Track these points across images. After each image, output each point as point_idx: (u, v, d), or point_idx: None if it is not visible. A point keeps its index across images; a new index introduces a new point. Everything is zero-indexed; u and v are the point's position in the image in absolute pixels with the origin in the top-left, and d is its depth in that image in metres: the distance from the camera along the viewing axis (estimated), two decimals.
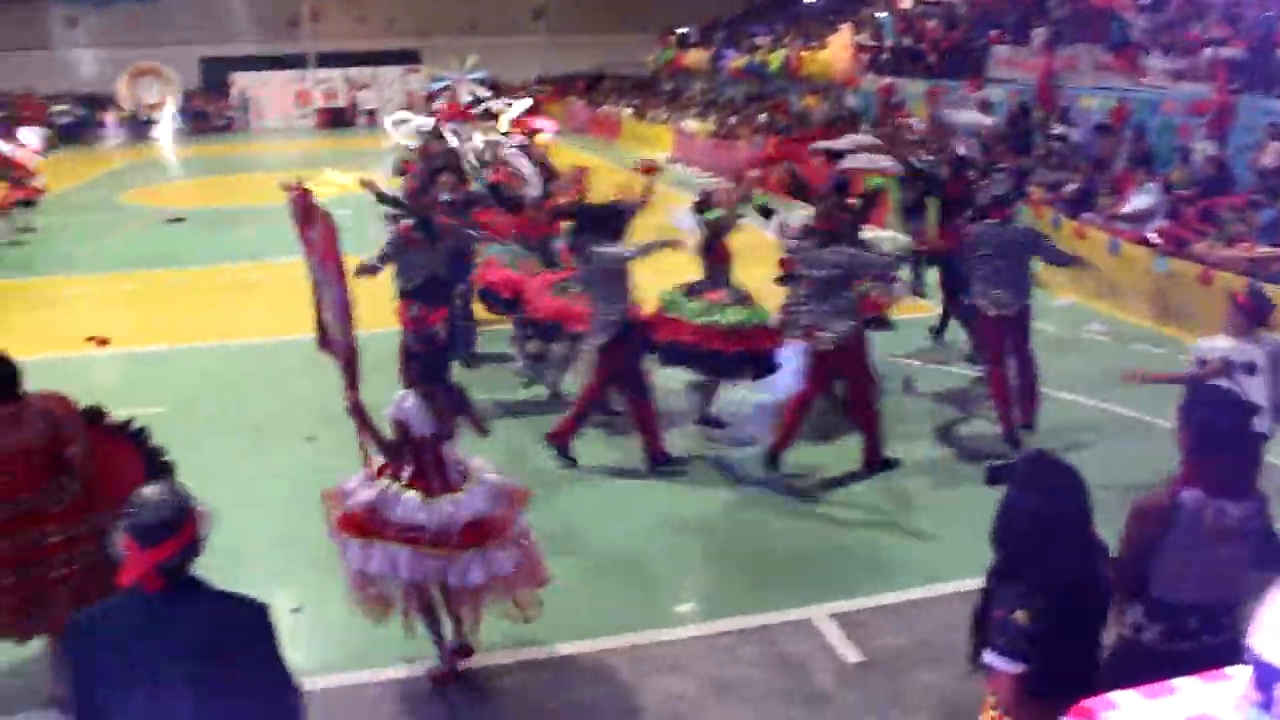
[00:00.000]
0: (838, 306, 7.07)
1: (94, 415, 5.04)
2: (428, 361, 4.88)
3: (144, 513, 2.82)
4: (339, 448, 5.15)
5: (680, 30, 36.01)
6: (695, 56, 33.33)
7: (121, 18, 40.08)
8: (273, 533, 6.43)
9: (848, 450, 7.65)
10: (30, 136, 19.57)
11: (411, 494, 4.73)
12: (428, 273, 8.08)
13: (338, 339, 4.94)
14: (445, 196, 8.93)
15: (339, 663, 5.17)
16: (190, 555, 2.85)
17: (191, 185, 25.46)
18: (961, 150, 10.25)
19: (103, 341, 10.85)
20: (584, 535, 6.50)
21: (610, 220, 7.46)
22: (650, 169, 8.45)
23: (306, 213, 5.03)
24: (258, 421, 8.60)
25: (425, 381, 4.82)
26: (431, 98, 35.65)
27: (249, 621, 2.91)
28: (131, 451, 5.06)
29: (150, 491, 2.91)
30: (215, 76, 40.62)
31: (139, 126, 37.84)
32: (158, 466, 4.98)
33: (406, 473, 4.80)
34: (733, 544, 6.53)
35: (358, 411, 4.82)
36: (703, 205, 8.22)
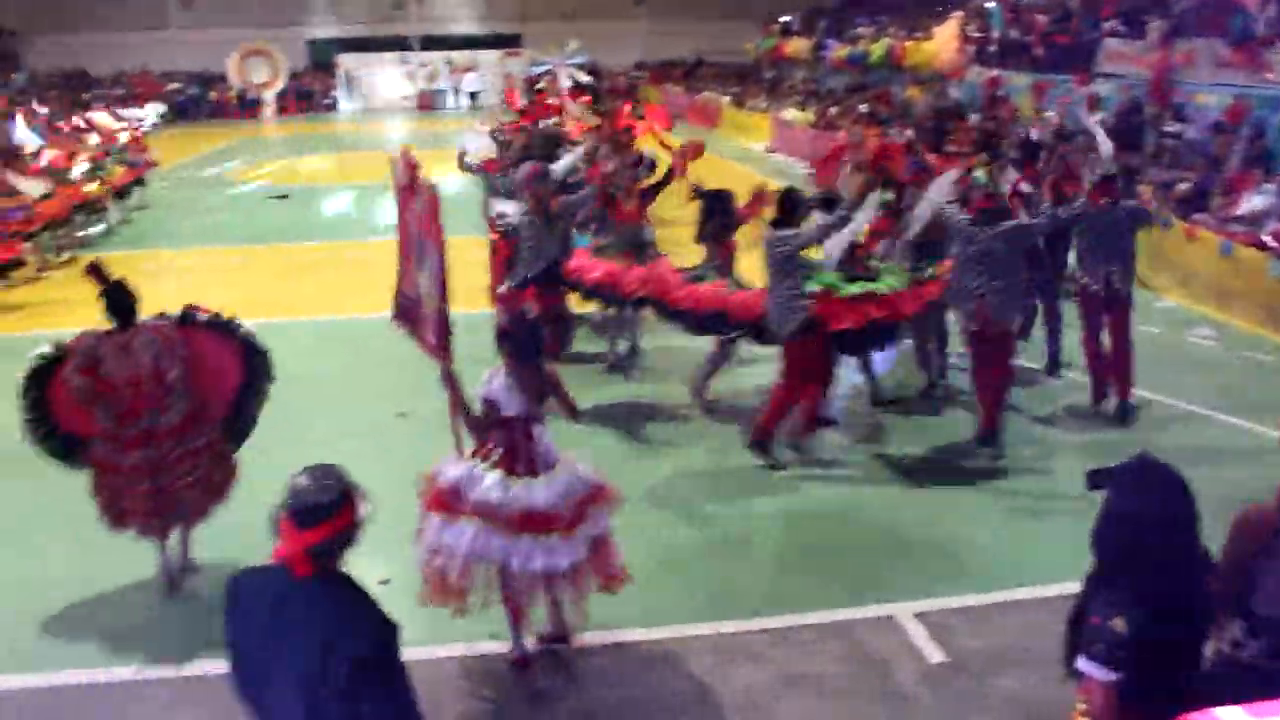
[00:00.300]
0: (1010, 285, 7.12)
1: (187, 316, 5.72)
2: (518, 341, 4.84)
3: (303, 493, 2.83)
4: (430, 424, 5.19)
5: (783, 18, 35.66)
6: (797, 45, 33.02)
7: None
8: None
9: (941, 445, 7.56)
10: (144, 112, 20.22)
11: (495, 473, 4.74)
12: (550, 257, 8.15)
13: (429, 310, 4.94)
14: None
15: (422, 637, 5.24)
16: (343, 542, 2.86)
17: (295, 163, 25.99)
18: (1033, 134, 10.36)
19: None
20: (667, 523, 6.50)
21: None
22: (695, 152, 8.70)
23: (411, 181, 5.07)
24: (353, 396, 8.76)
25: (516, 361, 4.81)
26: (532, 82, 36.06)
27: (341, 655, 2.75)
28: (228, 344, 5.78)
29: (312, 473, 2.90)
30: (321, 57, 41.43)
31: (247, 105, 38.84)
32: (253, 354, 5.81)
33: (495, 453, 4.81)
34: (818, 536, 6.46)
35: (450, 381, 4.82)
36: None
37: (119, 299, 5.42)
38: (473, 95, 39.90)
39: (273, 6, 41.25)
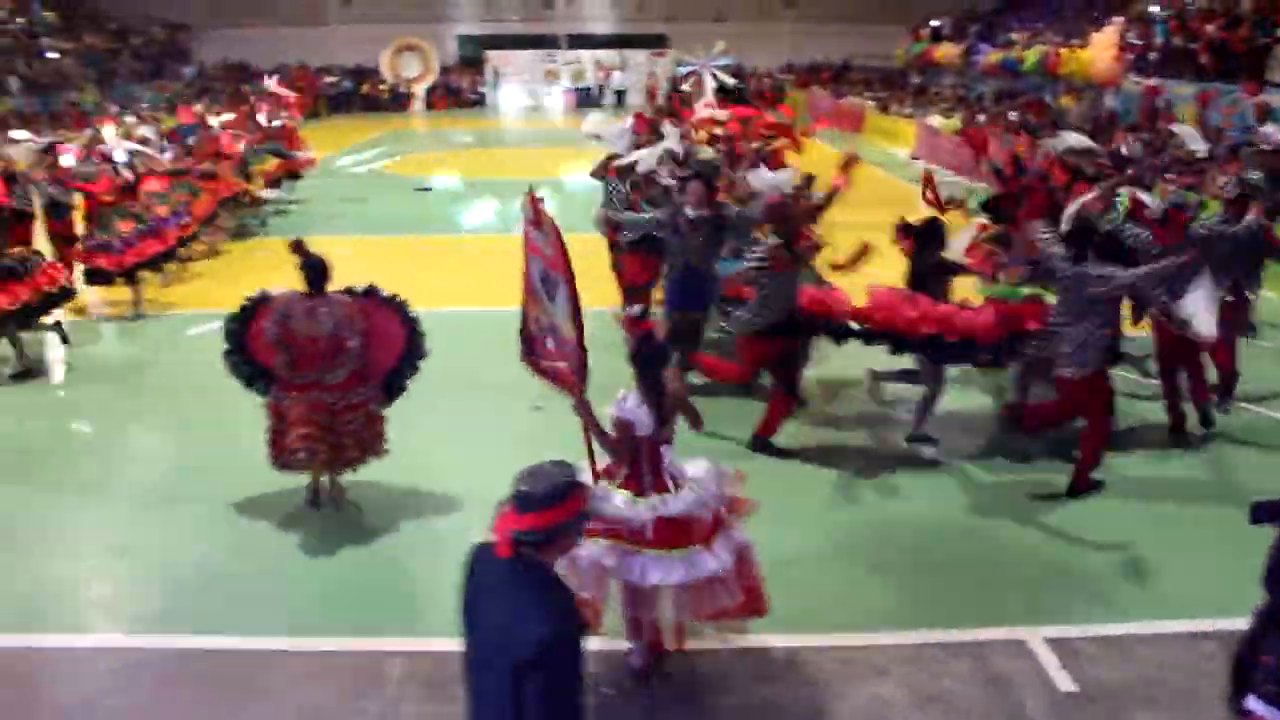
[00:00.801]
0: (1084, 332, 6.65)
1: (370, 291, 6.71)
2: (647, 361, 4.84)
3: (530, 480, 2.97)
4: (566, 419, 5.26)
5: (934, 23, 34.99)
6: (947, 50, 32.40)
7: None
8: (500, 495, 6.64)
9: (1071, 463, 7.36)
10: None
11: (623, 494, 4.77)
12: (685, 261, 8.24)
13: (565, 341, 5.02)
14: (689, 211, 8.27)
15: None
16: (554, 536, 2.97)
17: (442, 156, 26.61)
18: (1123, 149, 10.03)
19: None
20: (786, 530, 6.44)
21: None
22: (850, 163, 8.48)
23: (537, 217, 5.15)
24: (492, 387, 8.92)
25: (645, 380, 4.82)
26: (677, 82, 36.08)
27: (533, 639, 2.83)
28: (396, 320, 6.71)
29: (546, 465, 3.04)
30: (470, 53, 42.30)
31: (398, 99, 39.95)
32: (415, 331, 6.74)
33: (623, 473, 4.84)
34: (950, 552, 6.34)
35: (584, 408, 4.90)
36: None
37: (314, 270, 6.38)
38: (619, 94, 40.25)
39: (426, 3, 42.38)
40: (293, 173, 17.87)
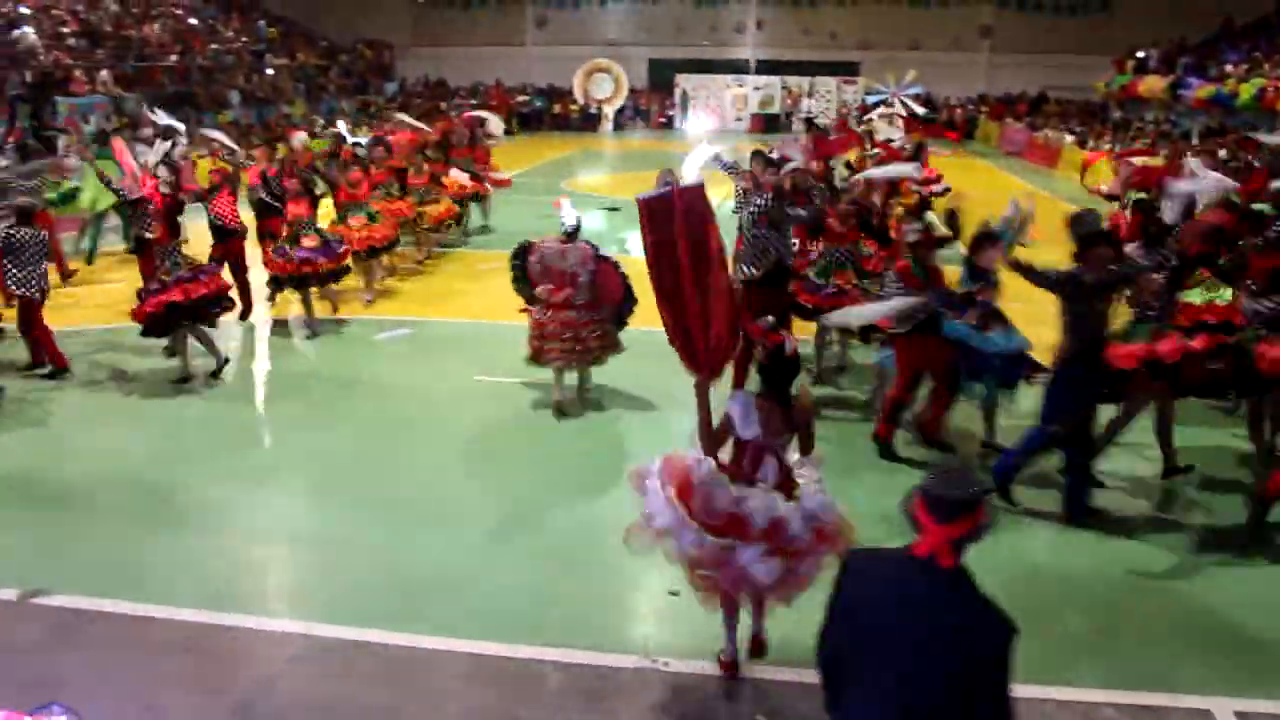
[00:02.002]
0: None
1: (600, 254, 8.95)
2: (772, 373, 4.91)
3: (944, 487, 2.98)
4: None
5: (1140, 54, 33.49)
6: (1152, 83, 30.97)
7: (583, 18, 43.34)
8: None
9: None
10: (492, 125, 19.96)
11: (776, 495, 4.77)
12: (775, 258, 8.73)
13: (720, 329, 5.05)
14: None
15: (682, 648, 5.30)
16: (972, 540, 2.98)
17: (629, 177, 26.95)
18: None
19: None
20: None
21: None
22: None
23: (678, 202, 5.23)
24: (658, 399, 9.02)
25: (767, 390, 4.89)
26: (866, 110, 35.60)
27: (1003, 635, 2.93)
28: (616, 275, 9.01)
29: (951, 471, 3.09)
30: (660, 76, 42.81)
31: (588, 119, 40.76)
32: (629, 287, 9.01)
33: (735, 474, 4.87)
34: (1129, 605, 6.02)
35: (702, 393, 4.96)
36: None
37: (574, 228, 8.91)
38: (808, 121, 39.98)
39: (620, 27, 43.15)
40: (480, 194, 17.54)
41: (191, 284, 9.42)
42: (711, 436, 4.95)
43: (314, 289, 11.55)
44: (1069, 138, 30.82)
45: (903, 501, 3.08)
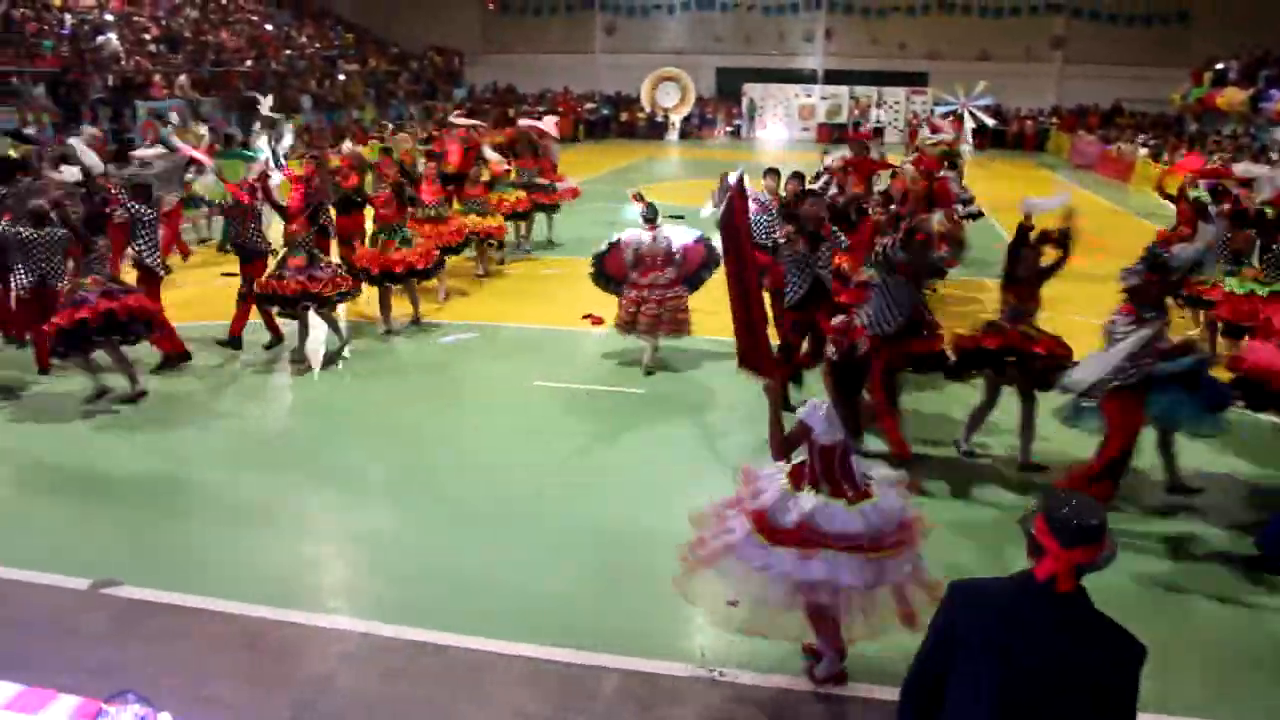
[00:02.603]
0: None
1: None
2: (843, 374, 4.90)
3: (1072, 513, 2.91)
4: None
5: (1218, 65, 32.74)
6: (1231, 95, 30.25)
7: (652, 27, 43.45)
8: None
9: None
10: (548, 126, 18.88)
11: (838, 503, 4.78)
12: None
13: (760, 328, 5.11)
14: (784, 248, 8.74)
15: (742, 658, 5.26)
16: (1093, 568, 2.92)
17: (693, 185, 26.94)
18: None
19: (597, 320, 11.77)
20: None
21: None
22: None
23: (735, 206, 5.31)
24: (721, 411, 8.98)
25: (839, 393, 4.86)
26: (935, 121, 35.03)
27: (1129, 658, 2.88)
28: (699, 248, 10.52)
29: (1077, 500, 2.98)
30: (728, 85, 42.77)
31: (654, 127, 40.86)
32: (709, 246, 10.32)
33: (809, 478, 4.86)
34: (1201, 633, 5.84)
35: (772, 396, 4.98)
36: None
37: (653, 211, 10.27)
38: (876, 131, 39.76)
39: (688, 35, 43.20)
40: (545, 205, 16.71)
41: (106, 301, 8.94)
42: (785, 440, 4.95)
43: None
44: (1143, 150, 30.25)
45: (1022, 519, 3.03)
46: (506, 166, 15.68)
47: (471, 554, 6.52)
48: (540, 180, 16.52)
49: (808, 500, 4.80)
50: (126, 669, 5.12)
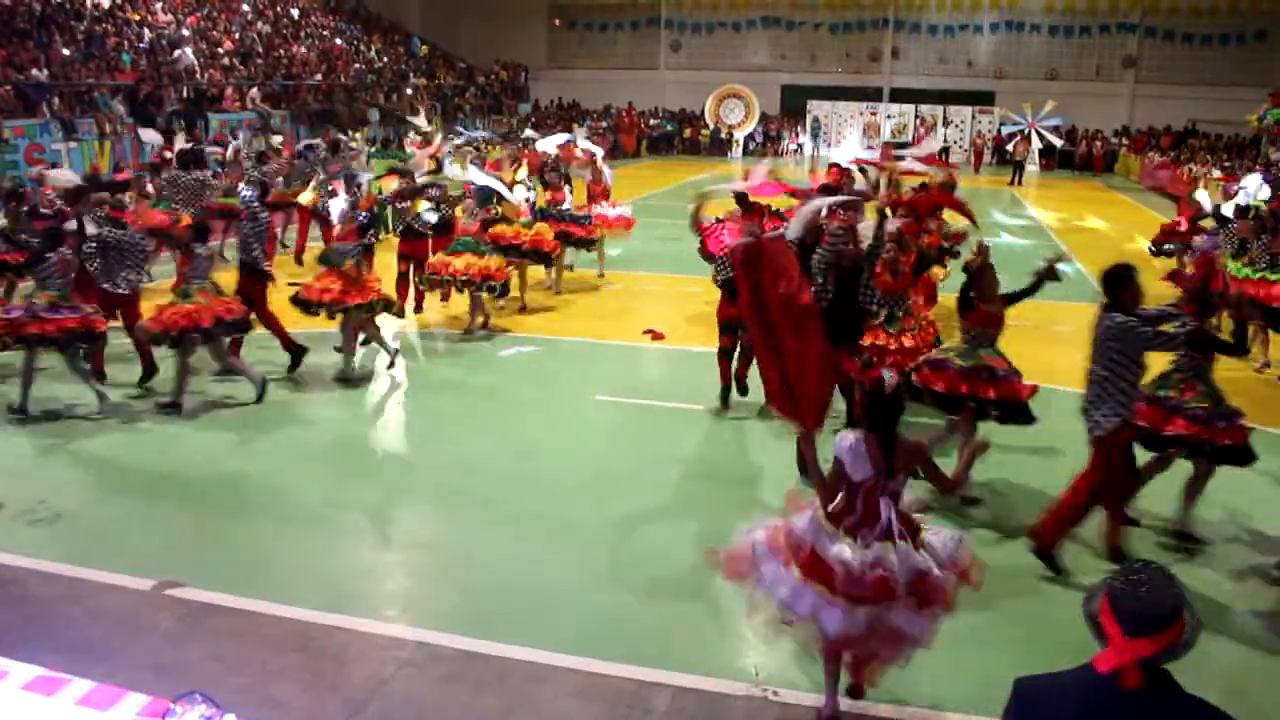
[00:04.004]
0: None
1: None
2: (876, 408, 4.71)
3: (1137, 598, 2.56)
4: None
5: None
6: None
7: (718, 43, 43.55)
8: None
9: None
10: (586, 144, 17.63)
11: (843, 539, 4.62)
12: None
13: (812, 382, 4.98)
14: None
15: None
16: (1172, 656, 2.56)
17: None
18: None
19: (658, 336, 11.82)
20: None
21: None
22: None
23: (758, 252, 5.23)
24: (781, 433, 8.95)
25: (873, 428, 4.67)
26: (1001, 140, 34.73)
27: None
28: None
29: (1147, 577, 2.61)
30: (793, 102, 42.70)
31: (717, 143, 40.91)
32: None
33: (849, 520, 4.67)
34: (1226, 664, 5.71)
35: (807, 442, 4.89)
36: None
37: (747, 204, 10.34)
38: (942, 151, 39.48)
39: (753, 53, 43.24)
40: (579, 239, 14.58)
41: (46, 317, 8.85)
42: (826, 485, 4.80)
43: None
44: (1216, 173, 29.67)
45: (1086, 600, 2.72)
46: (526, 213, 13.42)
47: (529, 566, 6.56)
48: (573, 211, 14.49)
49: (805, 519, 4.76)
50: (191, 668, 5.22)
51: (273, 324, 10.33)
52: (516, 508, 7.44)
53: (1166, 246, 14.68)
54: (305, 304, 10.18)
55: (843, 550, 4.58)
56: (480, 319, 12.24)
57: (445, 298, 12.82)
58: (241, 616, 5.86)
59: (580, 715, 5.04)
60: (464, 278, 11.74)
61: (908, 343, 8.09)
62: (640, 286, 15.22)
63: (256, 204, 10.48)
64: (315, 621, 5.81)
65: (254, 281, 10.21)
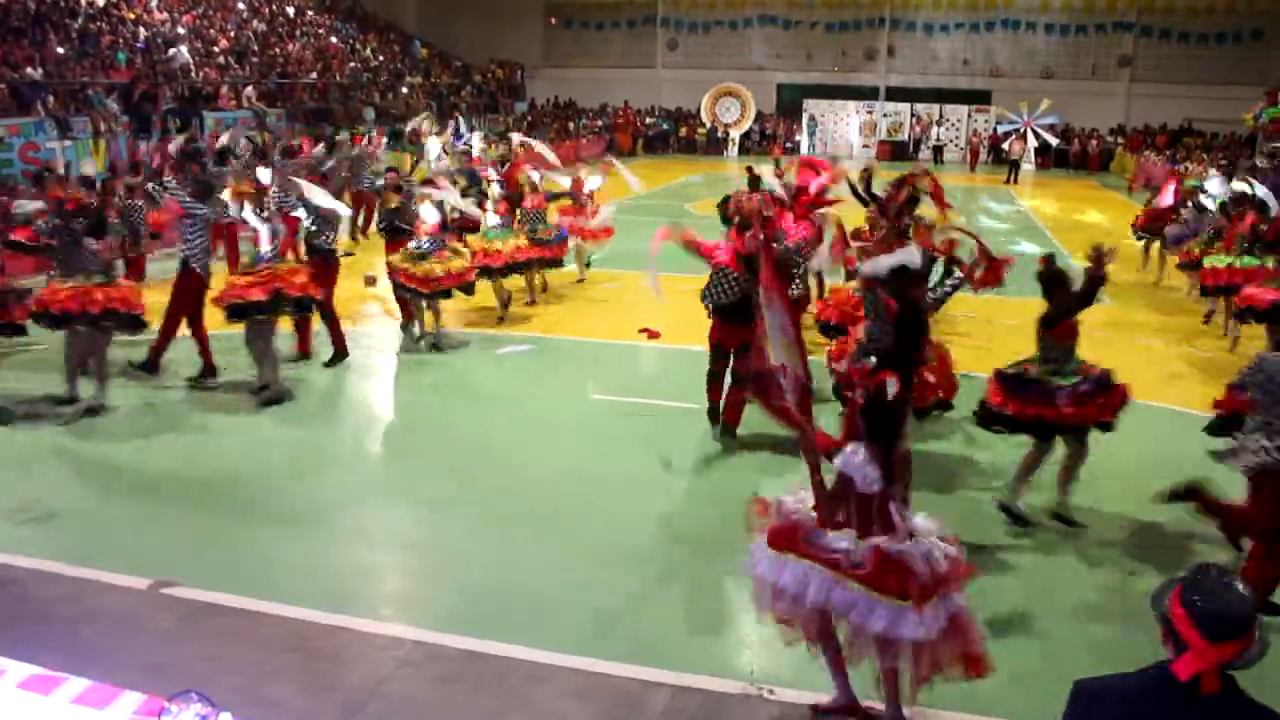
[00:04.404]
0: None
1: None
2: (877, 417, 4.61)
3: (1220, 603, 2.56)
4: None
5: None
6: None
7: (714, 42, 43.55)
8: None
9: None
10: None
11: (846, 532, 4.59)
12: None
13: (788, 370, 4.90)
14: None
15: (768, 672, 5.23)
16: (1244, 663, 2.57)
17: None
18: None
19: (653, 334, 11.81)
20: (1059, 621, 6.04)
21: None
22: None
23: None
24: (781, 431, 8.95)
25: (875, 438, 4.60)
26: (997, 139, 34.73)
27: None
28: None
29: (1226, 581, 2.63)
30: (789, 101, 42.72)
31: (713, 142, 40.94)
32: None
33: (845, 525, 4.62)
34: None
35: (810, 451, 4.77)
36: None
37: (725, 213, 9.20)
38: (936, 150, 39.54)
39: (750, 52, 43.24)
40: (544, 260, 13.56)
41: None
42: (829, 499, 4.72)
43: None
44: (1213, 171, 29.70)
45: (1156, 602, 2.70)
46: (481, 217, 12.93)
47: (526, 566, 6.55)
48: (541, 224, 13.47)
49: (800, 508, 4.73)
50: (188, 668, 5.21)
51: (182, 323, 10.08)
52: (514, 507, 7.44)
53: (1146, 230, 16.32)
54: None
55: (839, 538, 4.57)
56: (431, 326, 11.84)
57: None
58: (239, 616, 5.85)
59: (578, 714, 5.04)
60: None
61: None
62: (636, 285, 15.18)
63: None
64: (312, 621, 5.80)
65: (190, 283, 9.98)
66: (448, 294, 11.34)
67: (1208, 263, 12.72)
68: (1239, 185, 14.70)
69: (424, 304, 11.49)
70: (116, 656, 5.29)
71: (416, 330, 11.67)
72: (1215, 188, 15.23)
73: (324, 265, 10.52)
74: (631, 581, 6.37)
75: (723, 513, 6.99)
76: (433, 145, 18.22)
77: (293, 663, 5.40)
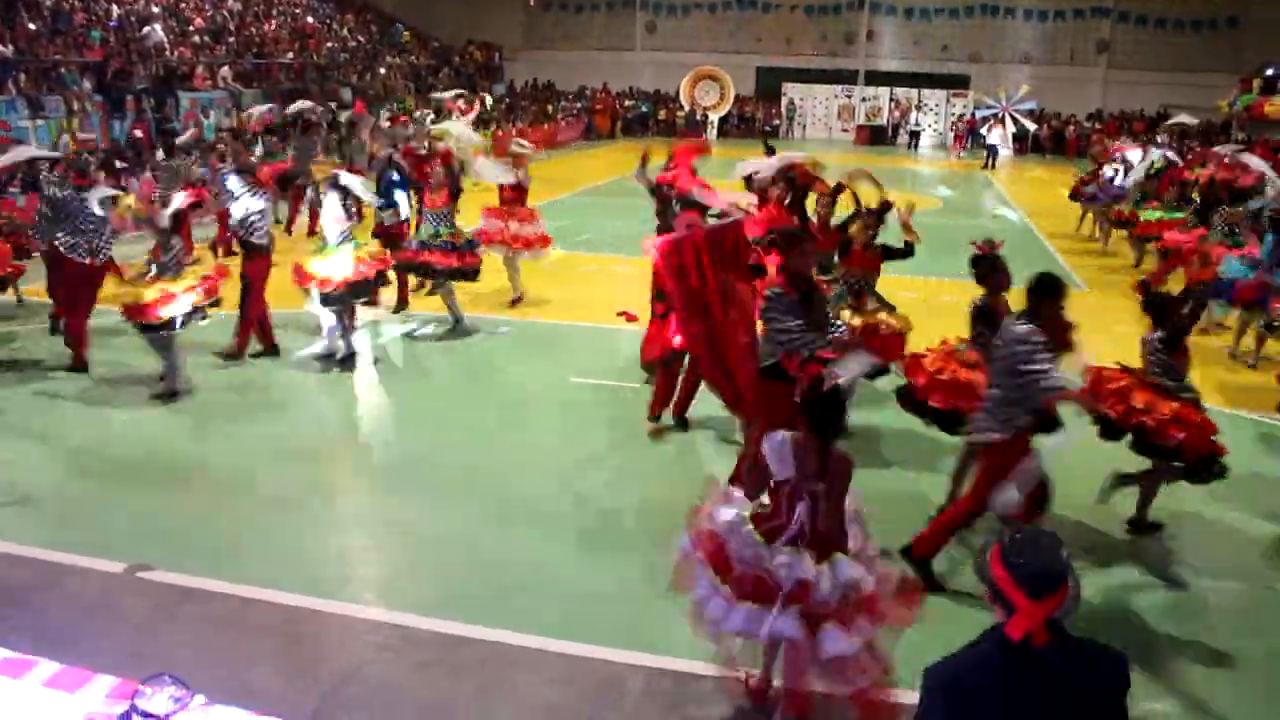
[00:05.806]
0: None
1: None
2: (816, 410, 4.51)
3: (1034, 561, 2.69)
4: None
5: (1269, 71, 32.19)
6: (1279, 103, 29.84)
7: (693, 26, 43.45)
8: None
9: None
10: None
11: (790, 554, 4.43)
12: None
13: (737, 355, 4.92)
14: None
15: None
16: (1064, 613, 2.70)
17: (730, 184, 26.90)
18: None
19: (631, 318, 11.79)
20: None
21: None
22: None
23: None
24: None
25: (812, 430, 4.50)
26: (974, 124, 34.82)
27: (1116, 670, 2.77)
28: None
29: (1037, 538, 2.78)
30: (768, 85, 42.68)
31: (692, 125, 40.88)
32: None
33: (774, 522, 4.54)
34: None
35: (748, 433, 4.81)
36: None
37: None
38: (914, 135, 39.59)
39: (729, 35, 43.17)
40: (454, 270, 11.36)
41: None
42: (755, 477, 4.71)
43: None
44: (1130, 142, 29.84)
45: (978, 565, 2.81)
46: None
47: (507, 550, 6.55)
48: (448, 229, 11.31)
49: (728, 515, 4.67)
50: (165, 653, 5.18)
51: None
52: (493, 492, 7.42)
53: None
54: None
55: (762, 555, 4.47)
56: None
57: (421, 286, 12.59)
58: (217, 600, 5.82)
59: (557, 697, 5.05)
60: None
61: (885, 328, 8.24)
62: (614, 269, 15.20)
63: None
64: (293, 605, 5.78)
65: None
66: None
67: (1143, 217, 16.04)
68: (1155, 154, 18.06)
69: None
70: (94, 642, 5.25)
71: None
72: (1134, 159, 18.08)
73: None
74: (610, 565, 6.38)
75: (700, 497, 6.99)
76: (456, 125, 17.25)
77: (271, 647, 5.38)
